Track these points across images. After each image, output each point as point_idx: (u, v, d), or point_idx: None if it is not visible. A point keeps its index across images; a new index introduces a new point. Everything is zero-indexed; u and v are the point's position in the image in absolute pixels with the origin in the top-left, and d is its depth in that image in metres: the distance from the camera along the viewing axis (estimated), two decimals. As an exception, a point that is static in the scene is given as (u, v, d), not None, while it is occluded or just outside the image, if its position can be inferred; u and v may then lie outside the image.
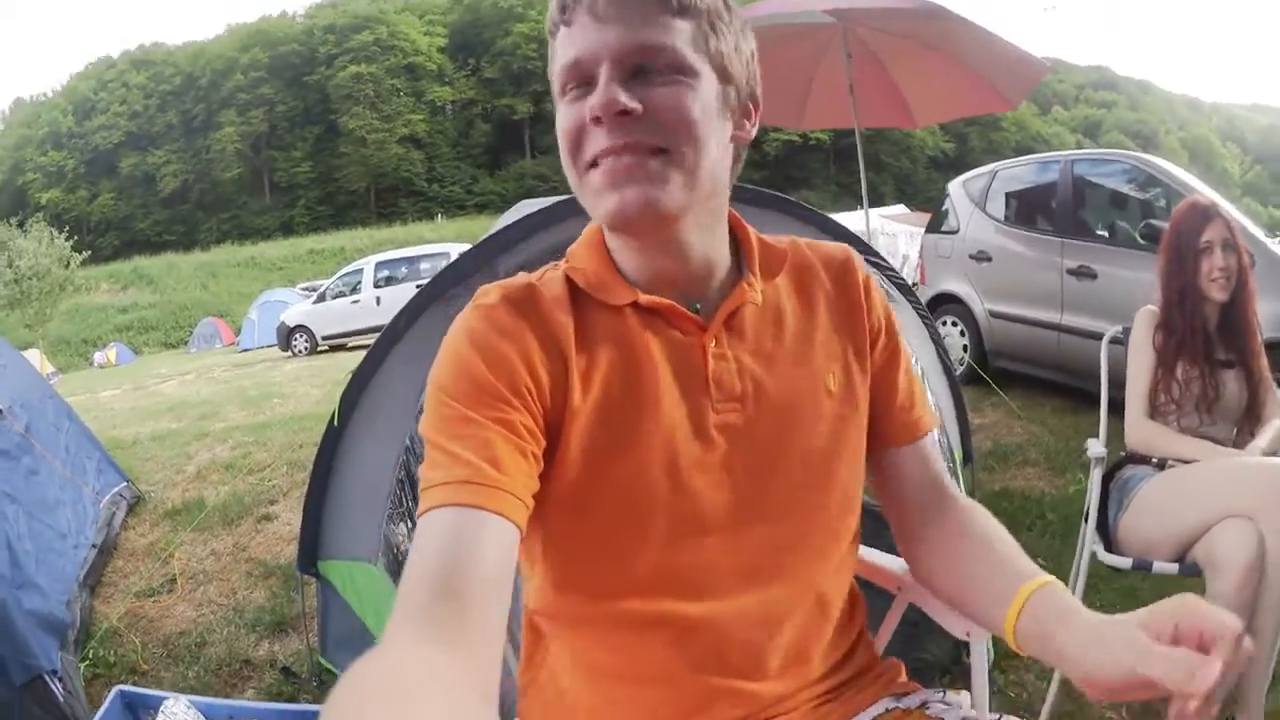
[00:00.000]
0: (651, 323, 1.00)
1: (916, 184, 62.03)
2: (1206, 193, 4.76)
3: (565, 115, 0.94)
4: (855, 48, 5.96)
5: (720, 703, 1.00)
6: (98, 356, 29.88)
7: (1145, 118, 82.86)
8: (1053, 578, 0.95)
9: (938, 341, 3.33)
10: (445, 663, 0.70)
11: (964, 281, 6.89)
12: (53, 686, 2.61)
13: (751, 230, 1.09)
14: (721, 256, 1.04)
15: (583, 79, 0.92)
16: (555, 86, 0.96)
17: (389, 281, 18.60)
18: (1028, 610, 0.93)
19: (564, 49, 0.93)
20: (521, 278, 1.03)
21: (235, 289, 44.69)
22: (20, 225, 32.12)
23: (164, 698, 2.13)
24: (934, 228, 7.64)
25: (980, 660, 1.16)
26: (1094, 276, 5.59)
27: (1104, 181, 6.28)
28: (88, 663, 3.17)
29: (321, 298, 20.07)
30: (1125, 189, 6.14)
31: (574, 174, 0.95)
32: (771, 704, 1.03)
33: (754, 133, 1.03)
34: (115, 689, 2.21)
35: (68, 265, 30.09)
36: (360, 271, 19.80)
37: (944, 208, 7.44)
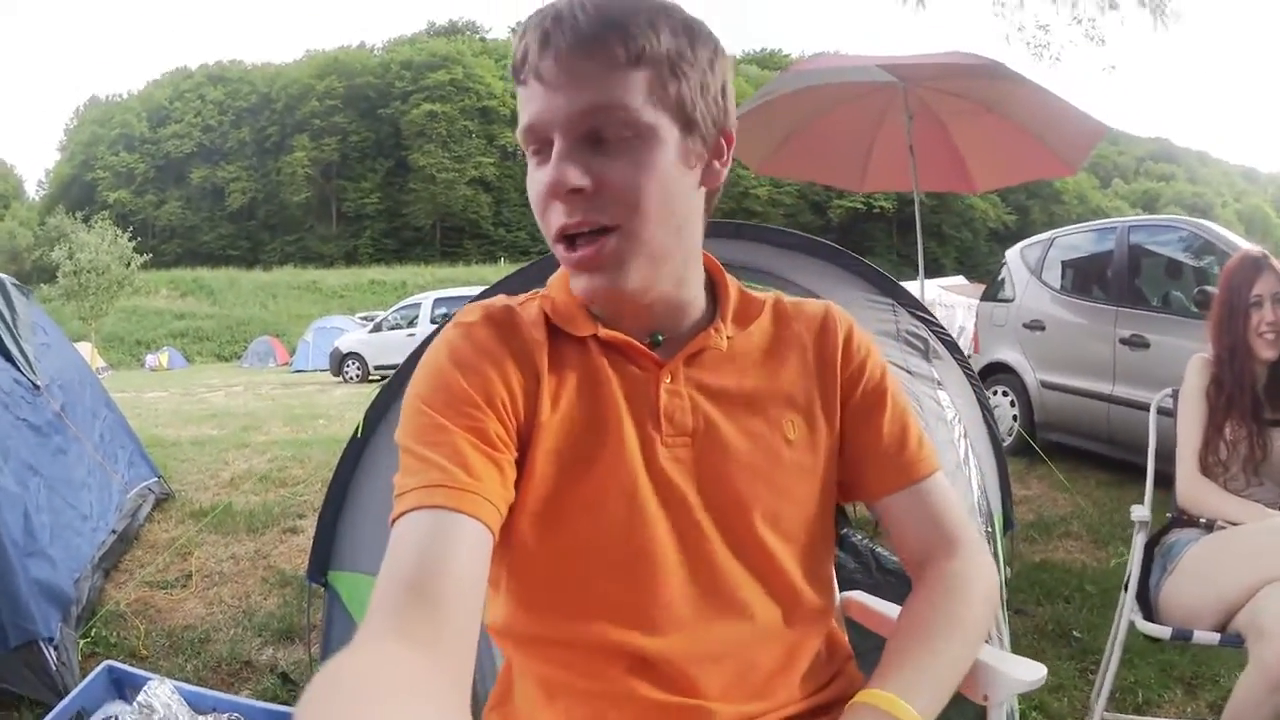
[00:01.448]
0: (610, 355, 1.01)
1: (977, 256, 61.74)
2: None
3: (529, 180, 0.94)
4: (916, 109, 5.92)
5: None
6: (150, 359, 30.61)
7: (1202, 190, 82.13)
8: (884, 696, 0.89)
9: (984, 405, 3.25)
10: (417, 662, 0.69)
11: (1017, 350, 6.78)
12: (47, 653, 2.67)
13: (731, 280, 1.09)
14: (692, 299, 1.05)
15: (539, 144, 0.91)
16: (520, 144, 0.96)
17: (446, 319, 18.56)
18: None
19: (522, 109, 0.92)
20: (501, 299, 1.05)
21: (293, 311, 45.59)
22: (85, 220, 33.03)
23: (150, 678, 2.10)
24: (990, 296, 7.57)
25: None
26: (1146, 346, 5.47)
27: (1160, 249, 6.16)
28: (88, 640, 3.18)
29: (378, 328, 20.41)
30: (1181, 256, 6.02)
31: (547, 240, 0.95)
32: None
33: (726, 172, 1.00)
34: (104, 663, 2.19)
35: (128, 265, 30.90)
36: (418, 306, 20.01)
37: (1000, 276, 7.37)
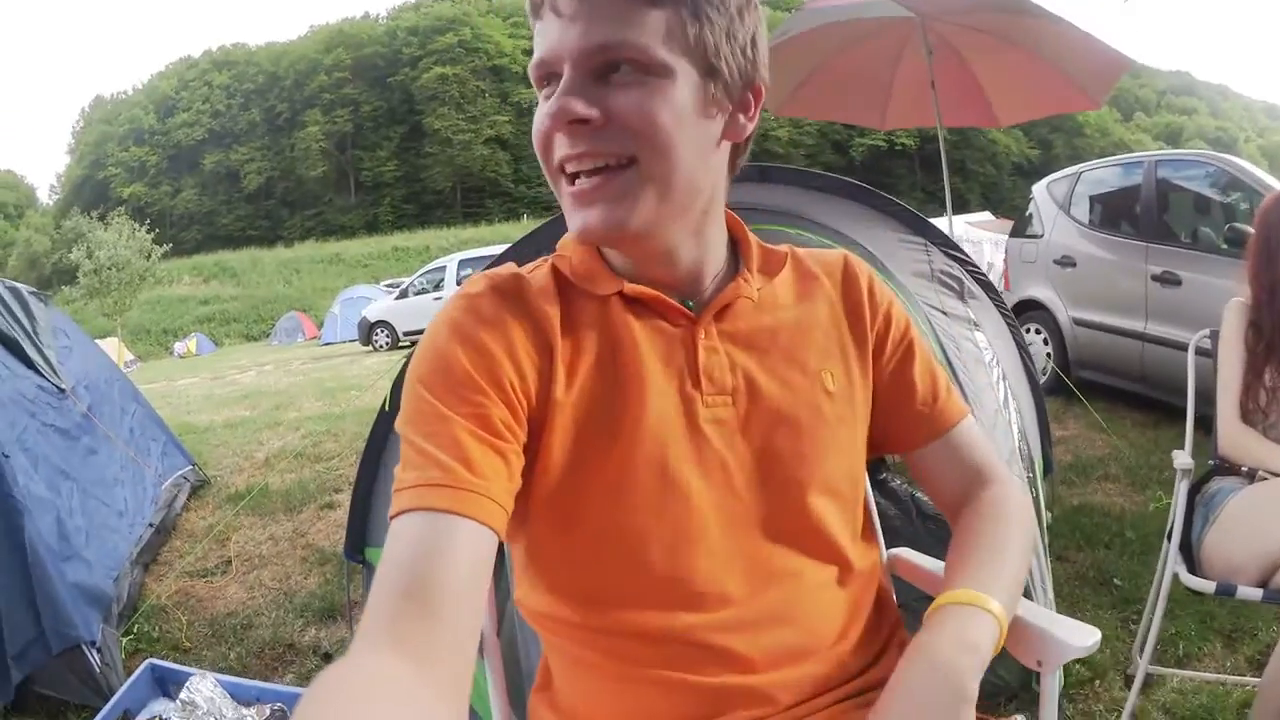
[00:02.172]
0: (638, 312, 0.96)
1: (1002, 191, 60.93)
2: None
3: (537, 115, 0.89)
4: (935, 44, 5.80)
5: (735, 704, 0.92)
6: (178, 346, 30.87)
7: (1225, 125, 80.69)
8: (968, 596, 0.89)
9: (1022, 346, 3.20)
10: (410, 675, 0.67)
11: (1048, 287, 6.67)
12: (90, 656, 2.66)
13: (751, 234, 1.06)
14: (714, 259, 1.01)
15: (550, 78, 0.88)
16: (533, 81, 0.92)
17: (473, 279, 18.65)
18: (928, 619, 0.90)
19: (536, 44, 0.89)
20: (509, 267, 0.99)
21: (318, 284, 45.71)
22: (102, 218, 33.26)
23: (192, 673, 2.11)
24: (1018, 232, 7.44)
25: (1051, 690, 1.06)
26: (1178, 283, 5.36)
27: (1187, 184, 6.02)
28: (130, 637, 3.20)
29: (404, 294, 20.45)
30: (1208, 192, 5.88)
31: (550, 180, 0.92)
32: (793, 705, 0.94)
33: (752, 127, 0.95)
34: (147, 662, 2.21)
35: (148, 257, 31.03)
36: (443, 269, 20.06)
37: (1028, 212, 7.23)
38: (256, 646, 3.13)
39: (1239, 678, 2.55)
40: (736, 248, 1.05)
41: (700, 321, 0.96)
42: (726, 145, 0.94)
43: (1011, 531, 1.00)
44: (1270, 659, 1.92)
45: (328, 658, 2.95)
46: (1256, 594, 2.02)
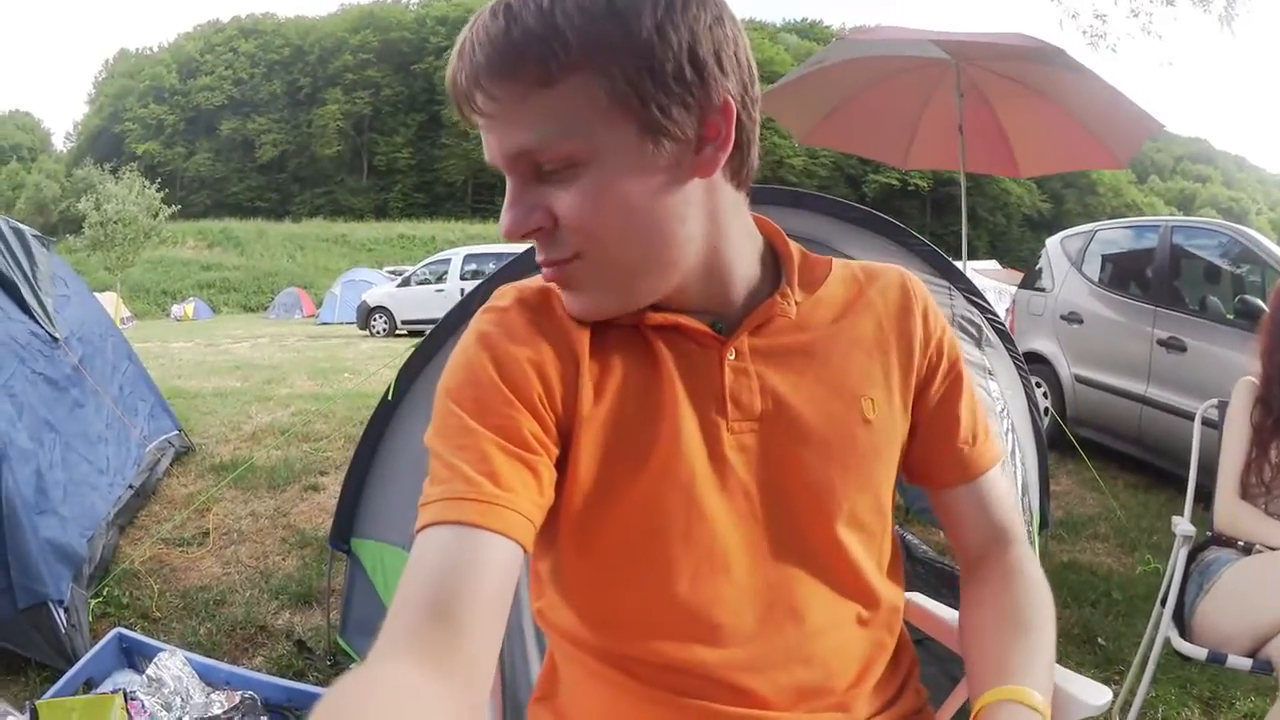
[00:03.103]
0: (667, 336, 0.93)
1: (1010, 241, 61.33)
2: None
3: None
4: (966, 88, 5.81)
5: None
6: (175, 309, 30.93)
7: (1238, 195, 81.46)
8: (1024, 692, 0.86)
9: (1030, 395, 3.17)
10: (430, 687, 0.66)
11: (1053, 342, 6.67)
12: (56, 615, 2.61)
13: (793, 243, 1.00)
14: (740, 280, 0.95)
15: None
16: None
17: (475, 275, 18.49)
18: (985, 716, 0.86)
19: None
20: (538, 280, 0.95)
21: (321, 263, 45.83)
22: (114, 171, 33.29)
23: (161, 649, 2.06)
24: (1027, 284, 7.45)
25: None
26: (1183, 350, 5.35)
27: (1200, 252, 6.04)
28: (99, 600, 3.14)
29: (406, 282, 20.39)
30: (1219, 261, 5.91)
31: None
32: None
33: (724, 155, 0.84)
34: (115, 631, 2.16)
35: (155, 216, 31.05)
36: (448, 261, 20.02)
37: (1039, 265, 7.24)
38: (228, 624, 3.07)
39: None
40: (777, 259, 0.99)
41: (730, 341, 0.92)
42: (697, 182, 0.85)
43: (1038, 603, 0.97)
44: None
45: (301, 644, 2.90)
46: (1246, 664, 2.04)
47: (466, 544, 0.76)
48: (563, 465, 0.88)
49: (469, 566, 0.74)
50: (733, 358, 0.92)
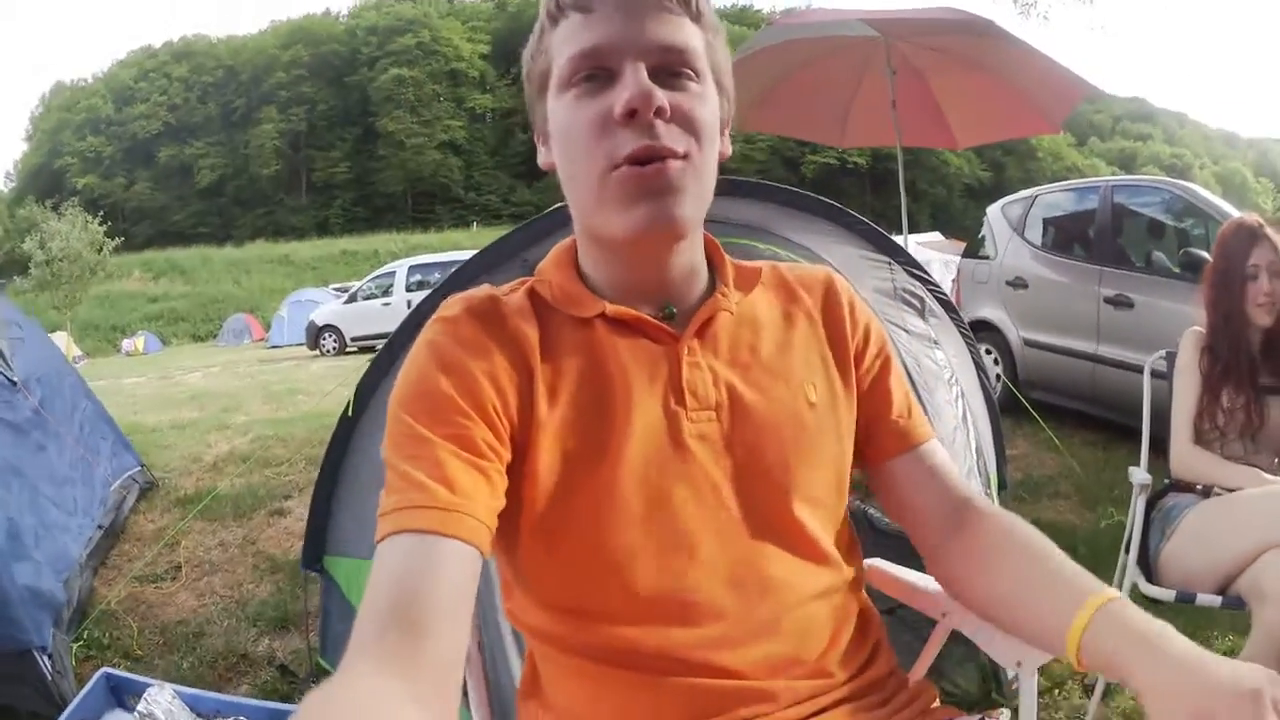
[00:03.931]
0: (622, 332, 0.98)
1: (952, 212, 61.61)
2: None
3: (578, 109, 0.90)
4: (898, 64, 5.89)
5: (738, 702, 0.93)
6: (125, 344, 30.39)
7: (1180, 151, 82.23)
8: (1119, 593, 0.86)
9: (979, 364, 3.24)
10: (399, 694, 0.68)
11: (999, 308, 6.79)
12: (41, 663, 2.59)
13: (723, 250, 1.09)
14: (700, 265, 1.04)
15: (600, 70, 0.89)
16: (556, 76, 0.93)
17: (421, 286, 18.48)
18: (1097, 627, 0.84)
19: (576, 36, 0.90)
20: (484, 289, 1.00)
21: (267, 285, 45.25)
22: (55, 208, 32.65)
23: (149, 684, 2.07)
24: (971, 253, 7.57)
25: (1031, 690, 1.09)
26: (1131, 306, 5.48)
27: (1142, 209, 6.19)
28: (81, 643, 3.12)
29: (353, 299, 20.31)
30: (1163, 217, 6.06)
31: (589, 175, 0.90)
32: (788, 705, 0.95)
33: (729, 149, 1.01)
34: (101, 671, 2.15)
35: (100, 250, 30.43)
36: (393, 274, 19.98)
37: (981, 233, 7.36)
38: (210, 656, 3.07)
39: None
40: (711, 264, 1.07)
41: (684, 338, 0.97)
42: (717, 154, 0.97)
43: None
44: (1238, 659, 2.00)
45: (283, 670, 2.90)
46: (1215, 600, 2.15)
47: (425, 551, 0.78)
48: (520, 469, 0.90)
49: (429, 573, 0.77)
50: (687, 354, 0.97)
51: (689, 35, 0.90)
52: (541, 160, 1.03)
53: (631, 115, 0.86)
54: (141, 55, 79.45)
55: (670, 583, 0.91)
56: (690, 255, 1.00)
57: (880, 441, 1.08)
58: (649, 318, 0.98)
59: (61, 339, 19.47)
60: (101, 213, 33.71)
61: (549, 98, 0.95)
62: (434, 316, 0.96)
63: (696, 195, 0.91)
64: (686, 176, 0.89)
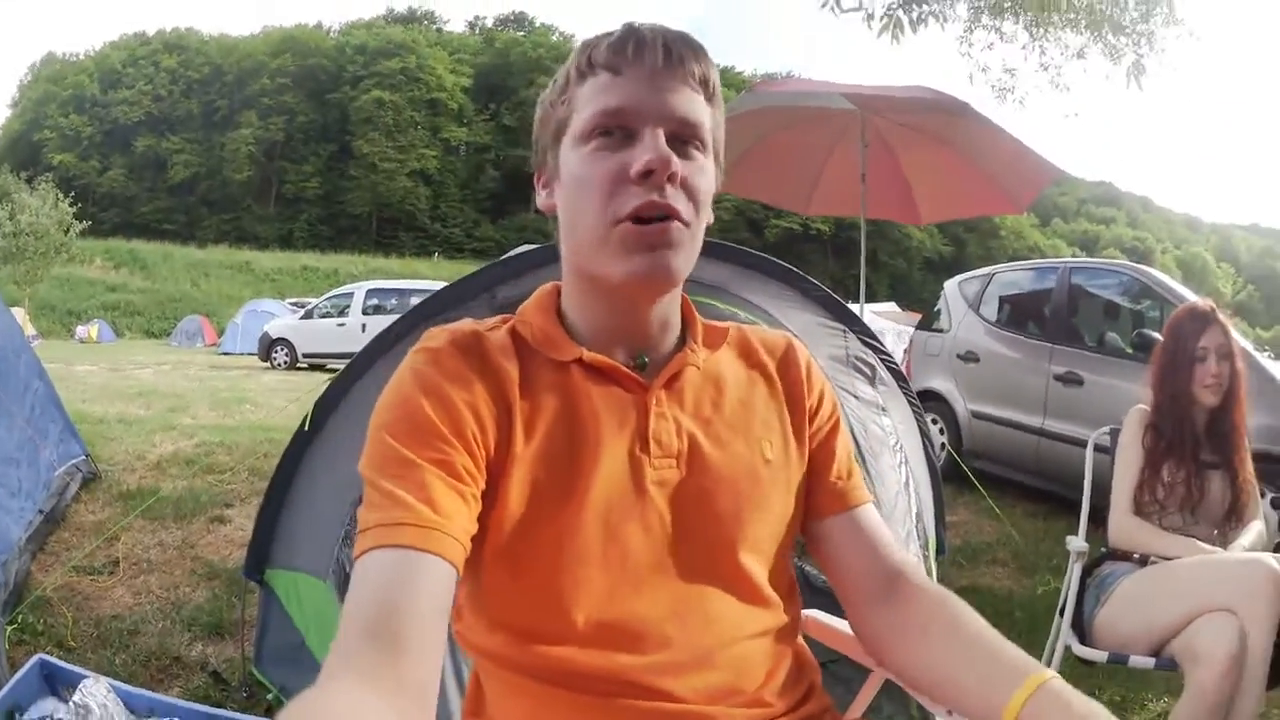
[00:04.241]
0: (596, 378, 1.03)
1: (910, 284, 62.40)
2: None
3: (595, 161, 0.96)
4: (871, 137, 6.04)
5: None
6: (80, 330, 29.98)
7: (1143, 235, 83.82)
8: (1054, 673, 0.89)
9: (925, 432, 3.33)
10: (378, 705, 0.70)
11: (949, 380, 6.93)
12: (-29, 642, 2.53)
13: (695, 310, 1.15)
14: (675, 319, 1.10)
15: (621, 129, 0.95)
16: (576, 127, 0.98)
17: (377, 310, 18.53)
18: (1036, 705, 0.86)
19: (603, 94, 0.96)
20: (468, 323, 1.05)
21: (225, 291, 44.82)
22: (29, 181, 32.13)
23: (84, 676, 2.06)
24: (925, 325, 7.73)
25: None
26: (1080, 383, 5.63)
27: (1099, 291, 6.37)
28: (15, 627, 3.09)
29: (309, 315, 20.21)
30: (1119, 299, 6.24)
31: (596, 223, 0.96)
32: None
33: (711, 218, 1.07)
34: (37, 657, 2.14)
35: (67, 231, 30.04)
36: (350, 295, 19.94)
37: (937, 307, 7.53)
38: (143, 655, 3.04)
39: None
40: (684, 319, 1.13)
41: (652, 388, 1.03)
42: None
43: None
44: (1171, 716, 2.17)
45: (216, 676, 2.88)
46: (1149, 662, 2.26)
47: (407, 567, 0.81)
48: (492, 497, 0.94)
49: (410, 589, 0.80)
50: (655, 404, 1.03)
51: (702, 111, 0.98)
52: (541, 202, 1.08)
53: (646, 175, 0.92)
54: (134, 41, 78.72)
55: (617, 612, 0.96)
56: (668, 309, 1.07)
57: (819, 499, 1.12)
58: (622, 366, 1.03)
59: (19, 316, 19.14)
60: (73, 194, 33.29)
61: (564, 146, 1.00)
62: (418, 346, 1.00)
63: (689, 254, 0.98)
64: (684, 236, 0.96)
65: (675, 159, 0.93)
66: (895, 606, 1.06)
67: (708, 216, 1.02)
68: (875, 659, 1.13)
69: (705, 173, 0.99)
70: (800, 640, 1.14)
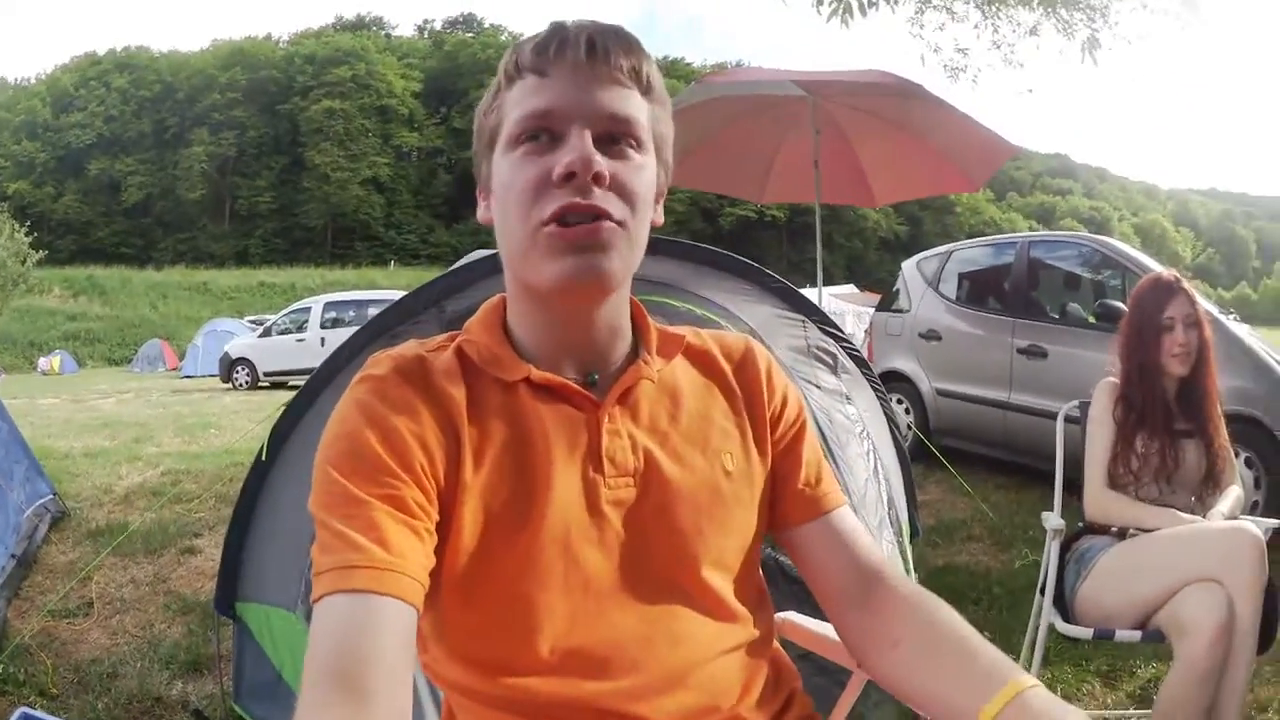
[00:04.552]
0: (544, 398, 0.99)
1: (867, 265, 62.76)
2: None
3: (521, 167, 0.93)
4: (823, 123, 6.03)
5: None
6: (42, 362, 29.72)
7: (1099, 205, 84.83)
8: (1035, 680, 0.89)
9: (890, 417, 3.35)
10: None
11: (912, 360, 6.97)
12: (-44, 698, 2.49)
13: (649, 317, 1.11)
14: (625, 328, 1.06)
15: (547, 132, 0.92)
16: (505, 134, 0.96)
17: (335, 323, 18.34)
18: (1012, 712, 0.86)
19: (529, 98, 0.93)
20: (412, 346, 1.01)
21: (184, 313, 44.40)
22: (-15, 212, 31.58)
23: (66, 727, 2.03)
24: (884, 306, 7.77)
25: None
26: (1044, 355, 5.69)
27: (1059, 263, 6.44)
28: (-4, 678, 3.05)
29: (267, 332, 20.08)
30: (1079, 270, 6.31)
31: (522, 230, 0.93)
32: None
33: (660, 218, 1.05)
34: (20, 711, 2.09)
35: (24, 262, 29.55)
36: (308, 310, 19.76)
37: (896, 287, 7.56)
38: (124, 698, 2.99)
39: (1122, 711, 2.78)
40: (636, 330, 1.09)
41: (604, 405, 1.00)
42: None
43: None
44: (1161, 688, 2.17)
45: (198, 714, 2.84)
46: (1135, 635, 2.27)
47: (364, 611, 0.79)
48: (444, 529, 0.91)
49: (369, 633, 0.78)
50: (608, 421, 0.99)
51: (636, 107, 0.94)
52: (481, 215, 1.04)
53: (569, 177, 0.89)
54: (85, 61, 77.64)
55: (582, 639, 0.94)
56: (614, 316, 1.02)
57: (789, 507, 1.10)
58: (572, 384, 0.99)
59: (-19, 352, 18.88)
60: (29, 222, 32.79)
61: (495, 154, 0.98)
62: (361, 374, 0.97)
63: (625, 256, 0.94)
64: (617, 237, 0.91)
65: (599, 158, 0.89)
66: (872, 611, 1.04)
67: (650, 215, 0.98)
68: (858, 660, 1.10)
69: (641, 170, 0.95)
70: (777, 646, 1.13)
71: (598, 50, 0.92)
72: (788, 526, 1.10)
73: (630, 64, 0.94)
